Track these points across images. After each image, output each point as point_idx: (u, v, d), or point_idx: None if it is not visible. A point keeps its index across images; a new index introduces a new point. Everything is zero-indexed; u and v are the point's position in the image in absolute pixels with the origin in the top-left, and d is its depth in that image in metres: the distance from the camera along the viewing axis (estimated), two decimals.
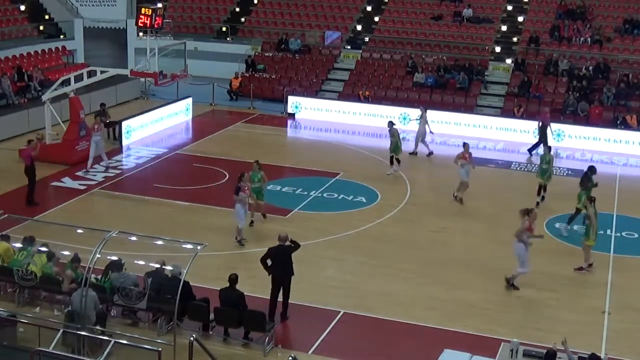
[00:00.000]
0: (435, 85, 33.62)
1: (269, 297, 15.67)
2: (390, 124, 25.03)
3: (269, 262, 15.20)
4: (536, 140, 27.91)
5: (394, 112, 30.79)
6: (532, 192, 23.62)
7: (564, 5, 37.03)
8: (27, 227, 17.14)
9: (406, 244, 19.40)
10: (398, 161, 24.58)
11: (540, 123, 27.78)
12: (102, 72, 25.33)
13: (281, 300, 15.39)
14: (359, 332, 15.05)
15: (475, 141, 29.40)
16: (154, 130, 29.04)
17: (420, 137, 27.33)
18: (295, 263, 15.94)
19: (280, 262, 15.18)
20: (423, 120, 27.31)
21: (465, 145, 22.66)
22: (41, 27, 37.48)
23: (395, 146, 24.48)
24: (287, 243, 15.30)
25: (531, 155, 27.62)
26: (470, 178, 22.20)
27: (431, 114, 28.21)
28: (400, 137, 25.09)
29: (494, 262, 18.38)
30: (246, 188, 18.78)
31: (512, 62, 35.03)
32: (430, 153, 27.27)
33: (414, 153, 27.17)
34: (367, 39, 38.03)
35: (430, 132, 27.46)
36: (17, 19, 36.74)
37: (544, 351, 12.17)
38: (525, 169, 26.29)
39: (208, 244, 14.62)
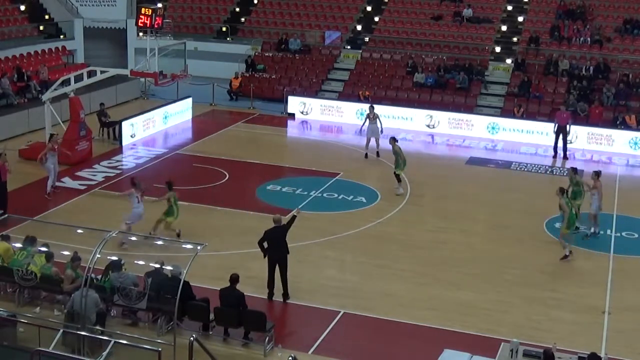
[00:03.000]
0: (435, 85, 33.61)
1: (268, 297, 15.83)
2: (393, 139, 23.42)
3: (265, 244, 15.81)
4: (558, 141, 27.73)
5: (394, 112, 30.94)
6: (531, 192, 23.68)
7: (564, 5, 37.02)
8: (27, 227, 17.14)
9: (406, 244, 19.40)
10: (398, 178, 22.93)
11: (556, 125, 27.62)
12: (102, 72, 25.31)
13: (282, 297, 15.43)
14: (359, 332, 15.04)
15: (475, 141, 29.51)
16: (154, 130, 29.05)
17: (372, 135, 26.39)
18: (296, 263, 16.03)
19: (276, 243, 15.82)
20: (374, 118, 26.50)
21: (598, 173, 20.17)
22: (41, 27, 37.46)
23: (399, 163, 22.97)
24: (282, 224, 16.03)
25: (566, 157, 27.34)
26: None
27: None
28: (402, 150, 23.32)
29: (494, 262, 18.40)
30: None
31: (512, 62, 35.03)
32: (366, 155, 26.39)
33: (376, 154, 26.44)
34: (367, 39, 38.03)
35: (381, 131, 26.38)
36: (17, 19, 36.73)
37: (543, 351, 12.15)
38: (525, 169, 26.30)
39: (208, 244, 14.62)
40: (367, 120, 26.68)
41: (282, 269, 15.87)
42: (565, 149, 27.57)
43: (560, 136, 27.55)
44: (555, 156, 27.76)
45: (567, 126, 27.50)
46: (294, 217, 16.30)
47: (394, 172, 23.02)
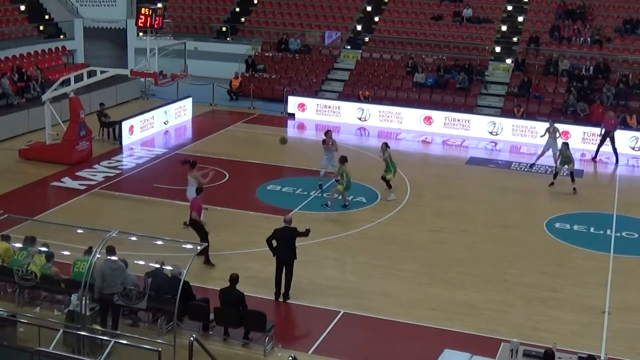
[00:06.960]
0: (435, 85, 33.61)
1: (270, 294, 15.82)
2: (386, 145, 22.65)
3: (274, 243, 15.81)
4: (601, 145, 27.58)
5: (392, 111, 30.96)
6: (531, 192, 23.70)
7: (564, 5, 37.01)
8: (27, 227, 17.11)
9: (406, 244, 19.39)
10: (388, 184, 22.29)
11: (603, 129, 27.45)
12: (102, 72, 25.31)
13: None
14: (359, 332, 15.04)
15: (475, 141, 29.52)
16: (154, 130, 29.05)
17: (551, 149, 25.78)
18: (296, 263, 16.00)
19: (284, 244, 15.85)
20: (553, 132, 25.87)
21: None
22: (41, 27, 37.47)
23: (388, 168, 22.41)
24: (293, 225, 16.03)
25: (595, 160, 27.37)
26: None
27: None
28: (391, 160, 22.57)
29: (494, 262, 18.40)
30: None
31: (512, 62, 35.03)
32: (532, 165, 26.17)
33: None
34: (367, 39, 38.03)
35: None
36: (17, 19, 36.75)
37: (544, 351, 12.16)
38: (525, 169, 26.28)
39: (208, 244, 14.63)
40: (547, 133, 26.08)
41: (287, 270, 15.86)
42: (615, 153, 27.26)
43: (608, 141, 27.25)
44: (595, 159, 27.52)
45: (615, 131, 27.27)
46: (308, 230, 16.21)
47: (386, 178, 22.28)
